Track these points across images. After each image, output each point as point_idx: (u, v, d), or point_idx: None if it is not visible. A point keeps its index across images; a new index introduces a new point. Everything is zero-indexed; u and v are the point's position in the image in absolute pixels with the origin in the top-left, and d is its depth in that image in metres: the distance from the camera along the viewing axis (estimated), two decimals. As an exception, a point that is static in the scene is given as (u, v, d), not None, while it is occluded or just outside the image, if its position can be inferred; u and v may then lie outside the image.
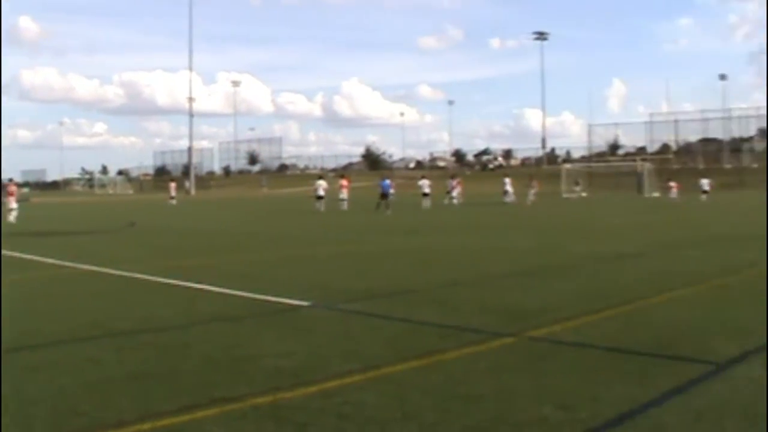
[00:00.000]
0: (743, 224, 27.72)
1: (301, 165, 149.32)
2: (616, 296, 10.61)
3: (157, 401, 5.63)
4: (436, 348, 7.39)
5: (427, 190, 48.28)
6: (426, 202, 46.95)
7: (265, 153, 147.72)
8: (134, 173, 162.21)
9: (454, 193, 51.79)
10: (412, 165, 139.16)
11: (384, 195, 41.54)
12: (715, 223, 29.02)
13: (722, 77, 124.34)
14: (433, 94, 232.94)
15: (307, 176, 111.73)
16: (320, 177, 48.81)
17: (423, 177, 51.44)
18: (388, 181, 44.38)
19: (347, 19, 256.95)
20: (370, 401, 5.60)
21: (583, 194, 67.16)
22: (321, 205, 41.96)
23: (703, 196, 54.28)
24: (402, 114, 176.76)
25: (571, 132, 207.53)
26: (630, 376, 6.24)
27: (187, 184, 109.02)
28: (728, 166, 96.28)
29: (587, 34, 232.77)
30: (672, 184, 60.96)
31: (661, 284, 11.80)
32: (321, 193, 43.30)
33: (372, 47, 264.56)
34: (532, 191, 57.08)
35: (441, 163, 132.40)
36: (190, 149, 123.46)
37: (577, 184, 70.94)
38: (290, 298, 10.55)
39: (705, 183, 57.32)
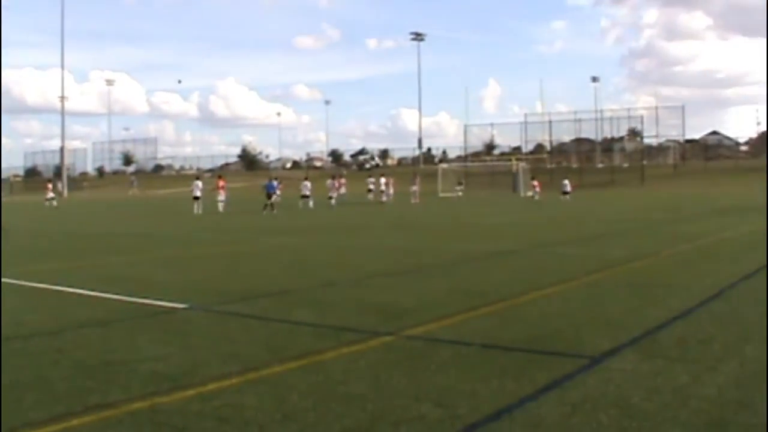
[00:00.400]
0: (610, 222, 28.63)
1: (177, 165, 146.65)
2: (492, 294, 10.82)
3: (29, 411, 5.46)
4: (315, 348, 7.39)
5: (307, 192, 48.08)
6: (307, 203, 46.76)
7: (140, 153, 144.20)
8: (3, 175, 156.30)
9: (333, 194, 51.80)
10: (288, 165, 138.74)
11: (268, 195, 41.28)
12: (585, 221, 29.85)
13: (594, 79, 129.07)
14: (309, 94, 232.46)
15: (183, 177, 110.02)
16: (197, 178, 48.07)
17: (306, 178, 51.23)
18: (274, 182, 44.09)
19: (223, 18, 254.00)
20: (250, 403, 5.57)
21: (460, 194, 68.01)
22: (198, 206, 41.35)
23: (566, 196, 55.77)
24: (279, 114, 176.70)
25: (448, 132, 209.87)
26: (506, 371, 6.37)
27: (59, 185, 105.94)
28: (601, 165, 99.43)
29: (464, 35, 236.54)
30: (535, 183, 62.46)
31: (535, 281, 12.06)
32: (198, 194, 42.61)
33: (248, 47, 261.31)
34: (414, 188, 57.56)
35: (318, 164, 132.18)
36: (62, 149, 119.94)
37: (459, 183, 71.81)
38: (166, 300, 10.38)
39: (566, 184, 59.00)
